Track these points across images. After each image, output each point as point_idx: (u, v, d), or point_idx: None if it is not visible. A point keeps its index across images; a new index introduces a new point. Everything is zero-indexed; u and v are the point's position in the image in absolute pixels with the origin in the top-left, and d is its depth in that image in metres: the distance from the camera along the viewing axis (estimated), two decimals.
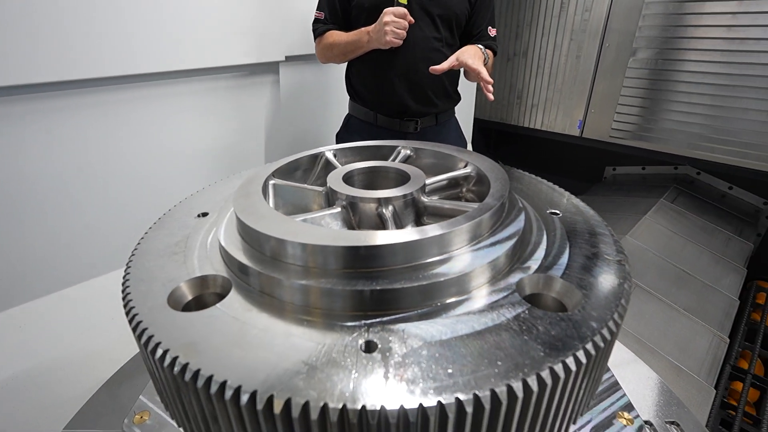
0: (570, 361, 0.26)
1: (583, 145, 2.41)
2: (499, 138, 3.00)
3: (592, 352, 0.27)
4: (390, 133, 1.26)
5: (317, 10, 1.23)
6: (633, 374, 0.70)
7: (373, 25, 1.10)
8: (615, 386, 0.58)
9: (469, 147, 2.70)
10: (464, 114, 2.55)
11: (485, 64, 1.10)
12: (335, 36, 1.19)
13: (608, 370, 0.62)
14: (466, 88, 2.46)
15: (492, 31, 1.23)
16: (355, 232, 0.33)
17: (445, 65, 1.03)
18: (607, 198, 2.22)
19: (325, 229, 0.34)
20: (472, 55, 1.06)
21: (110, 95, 1.08)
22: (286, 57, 1.44)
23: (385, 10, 1.06)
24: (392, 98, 1.21)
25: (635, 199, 2.08)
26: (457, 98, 1.33)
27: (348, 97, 1.36)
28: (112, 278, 1.17)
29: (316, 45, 1.25)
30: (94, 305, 1.12)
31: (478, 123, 2.83)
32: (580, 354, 0.26)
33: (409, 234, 0.32)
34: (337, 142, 1.34)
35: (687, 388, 1.06)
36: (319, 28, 1.22)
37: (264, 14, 1.33)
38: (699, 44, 1.86)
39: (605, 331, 0.28)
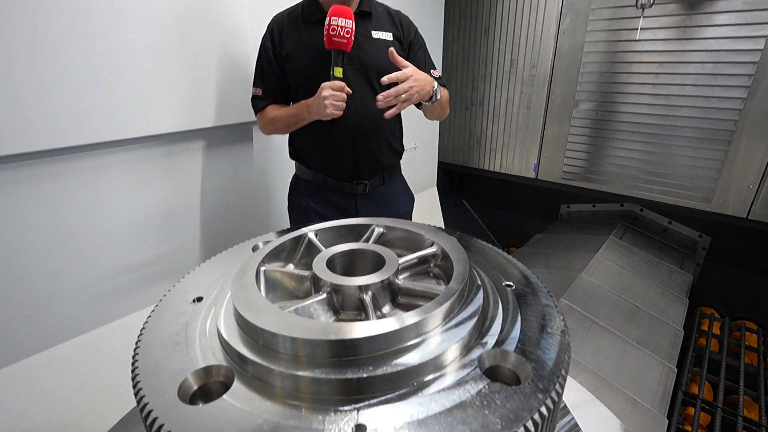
0: (521, 431, 0.32)
1: (539, 186, 2.60)
2: (463, 179, 3.17)
3: (539, 421, 0.33)
4: (339, 194, 1.29)
5: (253, 86, 1.25)
6: (591, 415, 0.77)
7: (311, 99, 1.11)
8: (575, 428, 0.65)
9: (434, 189, 2.84)
10: (428, 157, 2.70)
11: (435, 100, 1.15)
12: (275, 111, 1.22)
13: (568, 412, 0.69)
14: (429, 133, 2.62)
15: (435, 73, 1.25)
16: (341, 324, 0.39)
17: (393, 76, 1.04)
18: (563, 235, 2.38)
19: (315, 322, 0.40)
20: (415, 70, 1.08)
21: (42, 168, 1.06)
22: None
23: (323, 84, 1.07)
24: (341, 164, 1.24)
25: (588, 236, 2.25)
26: (401, 152, 1.37)
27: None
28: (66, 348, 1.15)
29: (257, 119, 1.28)
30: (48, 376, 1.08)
31: (442, 165, 2.99)
32: (529, 424, 0.33)
33: (388, 324, 0.38)
34: (289, 205, 1.39)
35: (643, 420, 1.14)
36: (258, 104, 1.25)
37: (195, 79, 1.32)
38: (630, 98, 2.10)
39: (549, 401, 0.35)
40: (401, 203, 1.40)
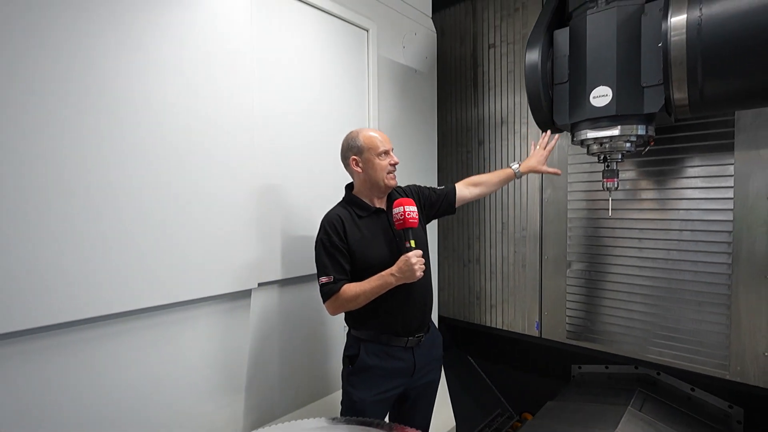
0: None
1: (545, 345, 2.50)
2: (466, 335, 3.08)
3: None
4: (403, 350, 1.49)
5: (323, 276, 1.42)
6: None
7: (395, 268, 1.37)
8: None
9: None
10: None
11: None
12: (354, 288, 1.40)
13: None
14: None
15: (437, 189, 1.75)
16: None
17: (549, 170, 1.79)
18: (577, 404, 2.19)
19: None
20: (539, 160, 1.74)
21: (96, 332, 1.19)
22: (259, 284, 1.59)
23: (408, 255, 1.36)
24: (412, 319, 1.49)
25: (604, 406, 2.06)
26: None
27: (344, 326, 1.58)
28: None
29: (331, 302, 1.42)
30: None
31: (445, 321, 2.94)
32: None
33: None
34: (352, 369, 1.49)
35: None
36: (334, 287, 1.40)
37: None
38: (619, 260, 2.18)
39: None
40: (439, 345, 1.67)
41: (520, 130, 2.56)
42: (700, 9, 1.20)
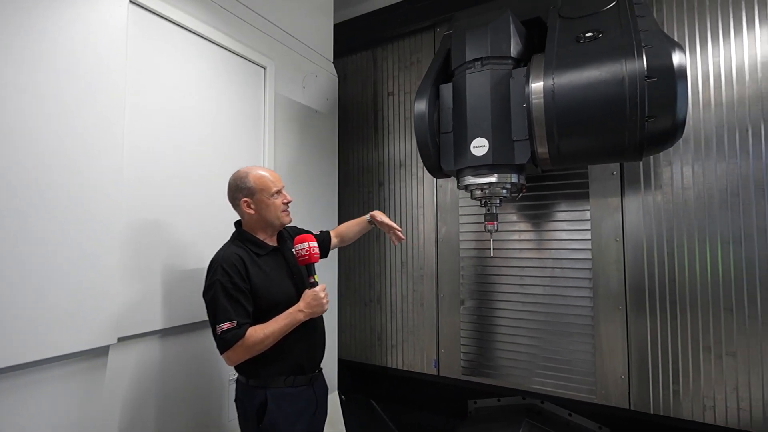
0: None
1: (443, 383, 2.53)
2: (367, 377, 3.00)
3: None
4: (307, 387, 1.46)
5: (224, 321, 1.28)
6: None
7: (303, 303, 1.38)
8: None
9: (335, 388, 2.62)
10: (329, 356, 2.58)
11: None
12: (260, 330, 1.31)
13: None
14: (328, 333, 2.56)
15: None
16: None
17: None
18: None
19: None
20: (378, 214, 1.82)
21: None
22: (119, 338, 1.37)
23: (314, 289, 1.39)
24: (315, 353, 1.52)
25: None
26: None
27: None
28: None
29: (234, 349, 1.29)
30: None
31: (344, 363, 2.85)
32: None
33: None
34: (263, 422, 1.35)
35: None
36: (237, 333, 1.28)
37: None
38: (505, 296, 2.34)
39: None
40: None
41: (417, 173, 2.70)
42: (553, 78, 1.41)
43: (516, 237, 2.32)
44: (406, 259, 2.71)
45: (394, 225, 1.78)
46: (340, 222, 2.83)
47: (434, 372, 2.55)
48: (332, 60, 2.61)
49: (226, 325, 1.27)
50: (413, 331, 2.65)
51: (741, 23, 1.87)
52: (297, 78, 2.26)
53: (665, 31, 2.01)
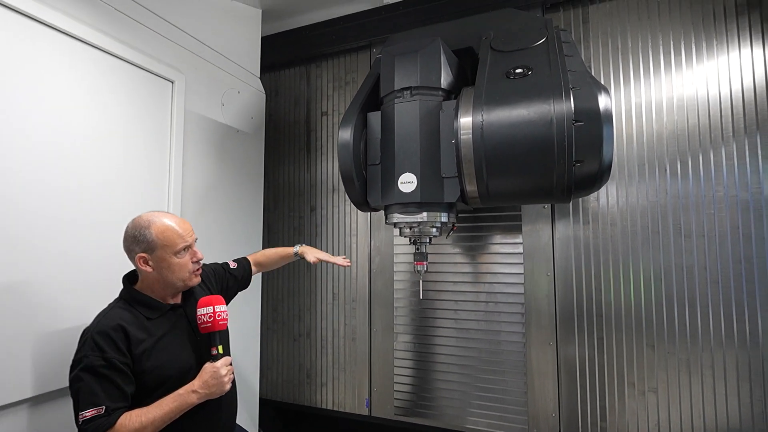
0: None
1: (376, 423, 2.37)
2: (295, 418, 2.76)
3: None
4: None
5: (89, 408, 1.03)
6: None
7: (199, 382, 1.14)
8: None
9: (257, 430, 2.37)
10: (249, 395, 2.32)
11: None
12: (138, 417, 1.06)
13: None
14: (250, 370, 2.32)
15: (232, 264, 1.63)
16: None
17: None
18: None
19: None
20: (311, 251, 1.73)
21: None
22: None
23: (214, 364, 1.17)
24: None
25: None
26: None
27: None
28: None
29: None
30: None
31: (269, 403, 2.60)
32: None
33: None
34: None
35: None
36: (105, 423, 1.03)
37: None
38: (439, 332, 2.24)
39: None
40: None
41: None
42: (482, 114, 1.32)
43: (450, 269, 2.24)
44: (338, 290, 2.53)
45: (333, 259, 1.66)
46: (265, 247, 2.61)
47: (366, 412, 2.38)
48: (259, 75, 2.41)
49: (90, 413, 1.02)
50: (345, 367, 2.47)
51: (659, 66, 1.94)
52: (215, 93, 2.03)
53: (591, 68, 2.05)
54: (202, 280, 1.39)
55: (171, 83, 1.75)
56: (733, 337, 1.74)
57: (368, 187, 1.60)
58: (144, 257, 1.17)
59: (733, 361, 1.74)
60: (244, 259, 1.67)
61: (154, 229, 1.17)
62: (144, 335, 1.14)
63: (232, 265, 1.60)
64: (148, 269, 1.18)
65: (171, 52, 1.78)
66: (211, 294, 1.36)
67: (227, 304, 1.50)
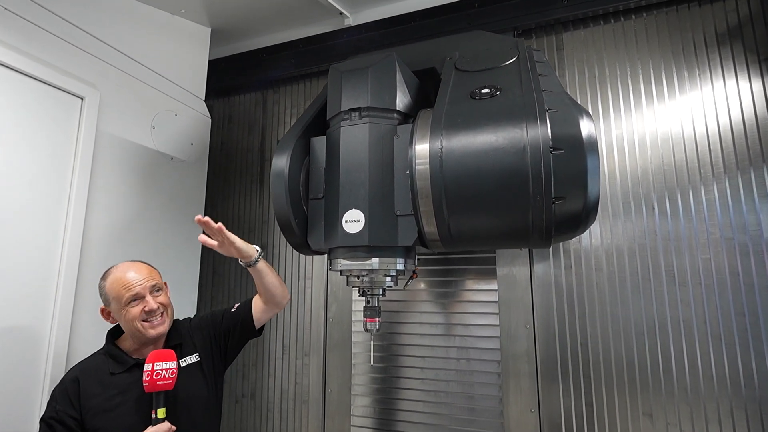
0: None
1: None
2: None
3: None
4: None
5: None
6: None
7: None
8: None
9: None
10: None
11: (255, 261, 1.33)
12: None
13: None
14: None
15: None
16: None
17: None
18: None
19: None
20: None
21: None
22: None
23: (160, 427, 1.07)
24: None
25: None
26: None
27: None
28: None
29: None
30: None
31: None
32: None
33: None
34: None
35: None
36: None
37: None
38: (405, 394, 1.91)
39: None
40: None
41: None
42: (441, 140, 1.08)
43: (416, 319, 1.94)
44: (289, 342, 2.19)
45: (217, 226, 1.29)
46: (202, 292, 2.27)
47: None
48: (204, 98, 2.16)
49: None
50: None
51: (640, 96, 1.78)
52: (144, 115, 1.76)
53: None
54: (186, 332, 1.34)
55: (80, 99, 1.47)
56: (743, 408, 1.48)
57: (309, 225, 1.32)
58: (105, 310, 1.23)
59: None
60: (247, 301, 1.45)
61: (108, 281, 1.20)
62: (99, 390, 1.14)
63: (234, 308, 1.44)
64: (112, 321, 1.24)
65: (86, 64, 1.51)
66: (195, 348, 1.31)
67: (233, 357, 1.45)
